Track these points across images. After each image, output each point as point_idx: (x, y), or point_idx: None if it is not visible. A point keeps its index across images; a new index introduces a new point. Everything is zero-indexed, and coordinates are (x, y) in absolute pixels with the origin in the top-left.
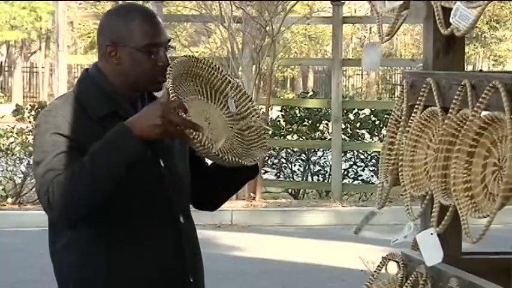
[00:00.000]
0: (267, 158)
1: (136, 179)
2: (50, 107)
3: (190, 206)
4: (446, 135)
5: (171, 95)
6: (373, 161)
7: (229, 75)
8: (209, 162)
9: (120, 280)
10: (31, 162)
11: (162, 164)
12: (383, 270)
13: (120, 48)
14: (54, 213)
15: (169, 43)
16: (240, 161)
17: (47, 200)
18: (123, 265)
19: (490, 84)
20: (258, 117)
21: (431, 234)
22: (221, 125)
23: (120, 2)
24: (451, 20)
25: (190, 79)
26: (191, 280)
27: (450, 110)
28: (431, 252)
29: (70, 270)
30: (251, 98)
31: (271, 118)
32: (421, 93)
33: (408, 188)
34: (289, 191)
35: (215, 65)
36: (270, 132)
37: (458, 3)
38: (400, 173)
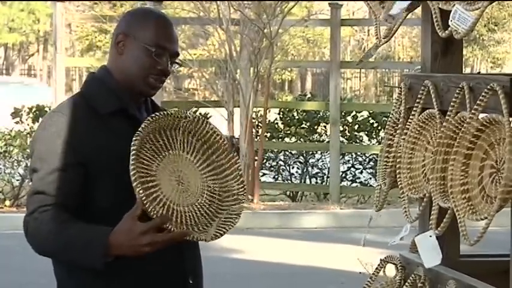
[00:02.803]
0: (264, 160)
1: None
2: (57, 108)
3: None
4: (444, 137)
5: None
6: (371, 163)
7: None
8: None
9: (120, 281)
10: (29, 164)
11: None
12: (381, 273)
13: (128, 40)
14: (28, 239)
15: (177, 58)
16: (221, 233)
17: (27, 225)
18: (122, 266)
19: (488, 87)
20: (220, 138)
21: (430, 236)
22: (193, 176)
23: (137, 6)
24: (450, 23)
25: (151, 137)
26: (191, 281)
27: (448, 113)
28: (430, 254)
29: (70, 271)
30: (207, 121)
31: (269, 120)
32: (419, 96)
33: (406, 190)
34: (287, 193)
35: (163, 112)
36: (236, 152)
37: (457, 5)
38: (397, 175)
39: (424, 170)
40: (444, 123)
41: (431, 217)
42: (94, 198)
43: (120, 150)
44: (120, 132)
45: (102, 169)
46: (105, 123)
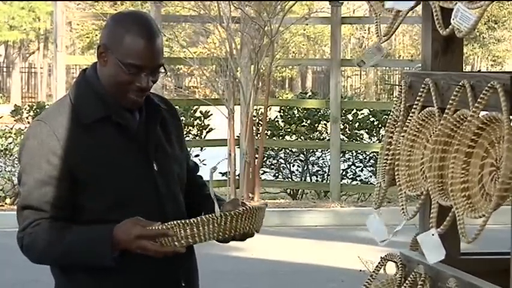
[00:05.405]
0: (265, 158)
1: (129, 181)
2: (41, 116)
3: None
4: (442, 135)
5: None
6: (371, 161)
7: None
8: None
9: (112, 283)
10: (17, 174)
11: (155, 167)
12: (382, 271)
13: (108, 53)
14: (24, 253)
15: (160, 69)
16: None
17: (21, 241)
18: (114, 268)
19: (489, 85)
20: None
21: (433, 235)
22: None
23: (130, 9)
24: (452, 22)
25: None
26: (183, 284)
27: (446, 111)
28: (433, 251)
29: (64, 271)
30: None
31: (269, 118)
32: (419, 94)
33: (404, 188)
34: (288, 191)
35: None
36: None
37: (459, 4)
38: (396, 173)
39: (423, 167)
40: (442, 121)
41: (431, 215)
42: (83, 206)
43: (105, 158)
44: (104, 140)
45: (88, 178)
46: (90, 131)
